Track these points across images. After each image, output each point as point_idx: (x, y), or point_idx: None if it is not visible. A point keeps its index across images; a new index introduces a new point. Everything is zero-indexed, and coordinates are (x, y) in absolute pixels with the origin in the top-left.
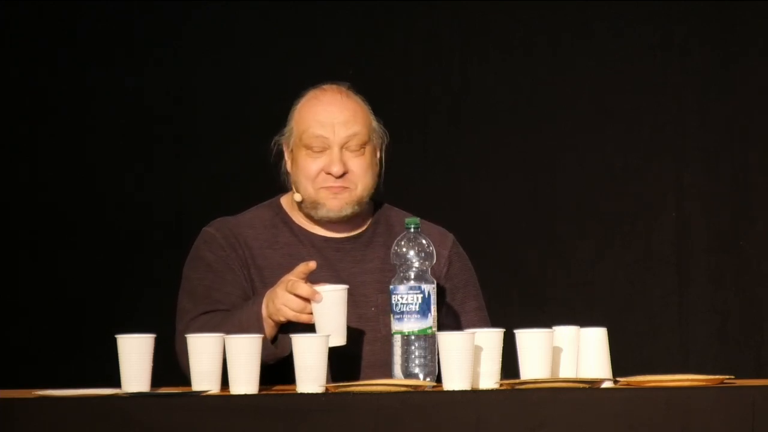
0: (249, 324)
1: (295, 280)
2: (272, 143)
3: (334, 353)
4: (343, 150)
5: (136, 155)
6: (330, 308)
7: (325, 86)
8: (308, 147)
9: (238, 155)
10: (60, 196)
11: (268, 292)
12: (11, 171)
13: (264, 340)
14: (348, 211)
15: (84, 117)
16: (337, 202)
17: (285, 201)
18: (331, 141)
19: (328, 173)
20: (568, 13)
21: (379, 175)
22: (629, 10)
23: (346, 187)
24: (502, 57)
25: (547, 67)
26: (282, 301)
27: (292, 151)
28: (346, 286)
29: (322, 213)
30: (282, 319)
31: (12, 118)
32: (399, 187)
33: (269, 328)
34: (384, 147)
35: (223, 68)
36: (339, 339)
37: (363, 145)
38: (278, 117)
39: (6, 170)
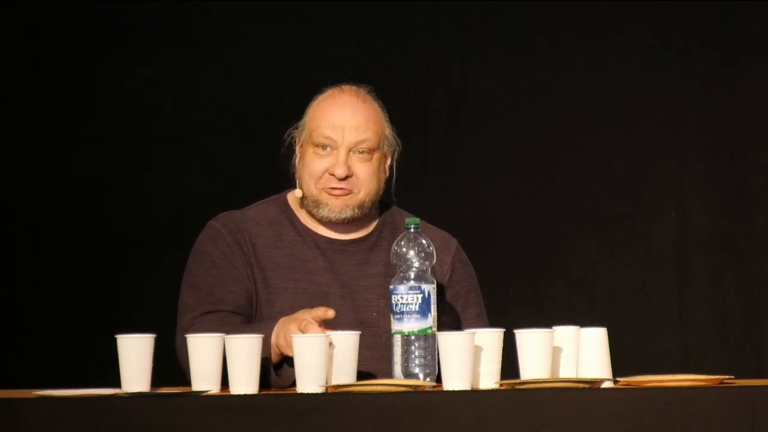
0: None
1: (309, 321)
2: (285, 135)
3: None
4: (350, 154)
5: (136, 155)
6: (339, 353)
7: (345, 86)
8: (316, 145)
9: (238, 155)
10: (60, 195)
11: (281, 321)
12: (11, 170)
13: (268, 365)
14: (347, 214)
15: (84, 116)
16: (337, 204)
17: (292, 198)
18: (339, 143)
19: (332, 174)
20: (568, 13)
21: (388, 183)
22: (629, 10)
23: (349, 191)
24: (502, 57)
25: (547, 67)
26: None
27: (302, 146)
28: (358, 333)
29: (322, 213)
30: (290, 353)
31: (12, 117)
32: (398, 187)
33: (275, 356)
34: (395, 156)
35: (223, 68)
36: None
37: (371, 152)
38: (278, 117)
39: (6, 169)
